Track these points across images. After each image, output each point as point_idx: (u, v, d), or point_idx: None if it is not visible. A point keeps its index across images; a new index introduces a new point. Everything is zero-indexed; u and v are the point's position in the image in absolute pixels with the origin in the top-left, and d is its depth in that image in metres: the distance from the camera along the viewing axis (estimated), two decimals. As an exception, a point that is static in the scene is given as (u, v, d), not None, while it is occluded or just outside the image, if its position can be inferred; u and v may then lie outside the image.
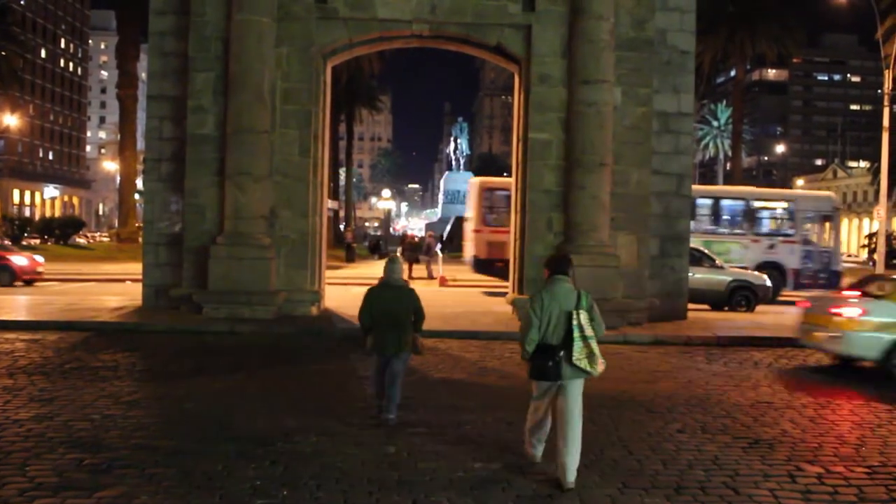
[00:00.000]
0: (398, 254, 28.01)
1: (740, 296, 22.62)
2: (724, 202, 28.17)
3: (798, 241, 27.01)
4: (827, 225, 27.81)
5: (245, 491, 6.64)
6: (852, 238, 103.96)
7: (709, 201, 27.98)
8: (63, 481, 6.75)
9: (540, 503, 6.56)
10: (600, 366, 6.95)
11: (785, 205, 28.15)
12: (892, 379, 12.37)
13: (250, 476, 7.00)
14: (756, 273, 24.11)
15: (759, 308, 22.58)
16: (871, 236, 51.43)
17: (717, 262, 23.33)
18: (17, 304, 19.15)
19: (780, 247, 26.86)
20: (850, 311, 12.90)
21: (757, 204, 27.92)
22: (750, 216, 27.51)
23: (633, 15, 18.31)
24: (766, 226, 28.00)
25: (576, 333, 6.87)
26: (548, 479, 7.06)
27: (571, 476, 6.82)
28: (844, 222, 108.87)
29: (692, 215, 22.07)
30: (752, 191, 30.80)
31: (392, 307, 8.83)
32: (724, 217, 27.82)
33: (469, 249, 28.89)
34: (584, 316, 6.92)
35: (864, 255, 70.81)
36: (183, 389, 10.65)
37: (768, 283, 23.28)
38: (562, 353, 6.92)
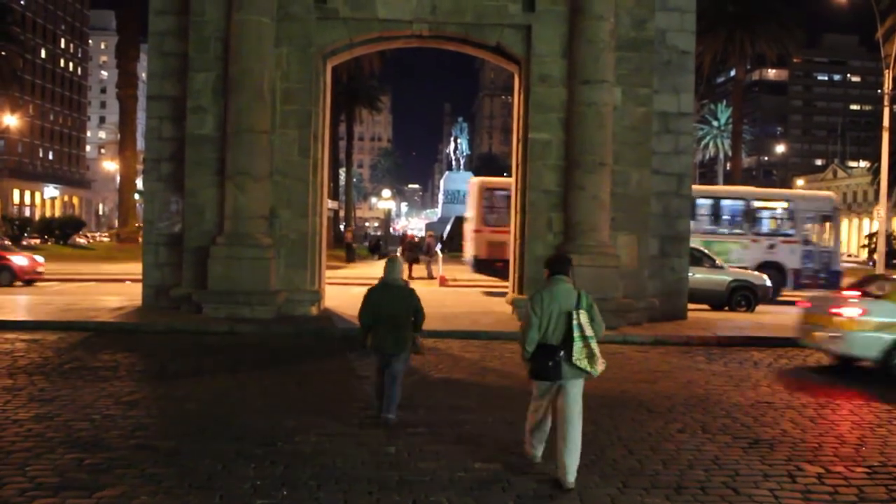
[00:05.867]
0: (398, 254, 28.00)
1: (740, 296, 22.60)
2: (725, 202, 28.24)
3: (798, 240, 27.08)
4: (827, 225, 27.89)
5: (245, 491, 6.63)
6: (852, 238, 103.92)
7: (709, 201, 28.07)
8: (63, 481, 6.75)
9: (540, 503, 6.55)
10: (600, 365, 6.96)
11: (785, 205, 28.19)
12: (893, 378, 12.38)
13: (250, 476, 7.00)
14: (756, 273, 24.11)
15: (760, 308, 22.58)
16: (871, 236, 51.50)
17: (717, 261, 23.32)
18: (16, 304, 19.14)
19: (781, 247, 26.91)
20: (850, 311, 12.88)
21: (757, 204, 27.98)
22: (750, 216, 27.56)
23: (633, 15, 18.30)
24: (767, 226, 28.05)
25: (576, 333, 6.87)
26: (548, 478, 7.05)
27: (572, 476, 6.82)
28: (844, 222, 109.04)
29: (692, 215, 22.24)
30: (752, 191, 30.89)
31: (392, 307, 8.76)
32: (725, 217, 27.90)
33: (469, 249, 28.86)
34: (583, 316, 6.92)
35: (865, 255, 70.83)
36: (183, 389, 10.65)
37: (768, 283, 23.28)
38: (562, 353, 6.92)
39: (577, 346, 6.86)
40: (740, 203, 27.85)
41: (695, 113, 26.82)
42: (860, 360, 13.24)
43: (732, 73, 72.60)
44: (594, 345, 6.96)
